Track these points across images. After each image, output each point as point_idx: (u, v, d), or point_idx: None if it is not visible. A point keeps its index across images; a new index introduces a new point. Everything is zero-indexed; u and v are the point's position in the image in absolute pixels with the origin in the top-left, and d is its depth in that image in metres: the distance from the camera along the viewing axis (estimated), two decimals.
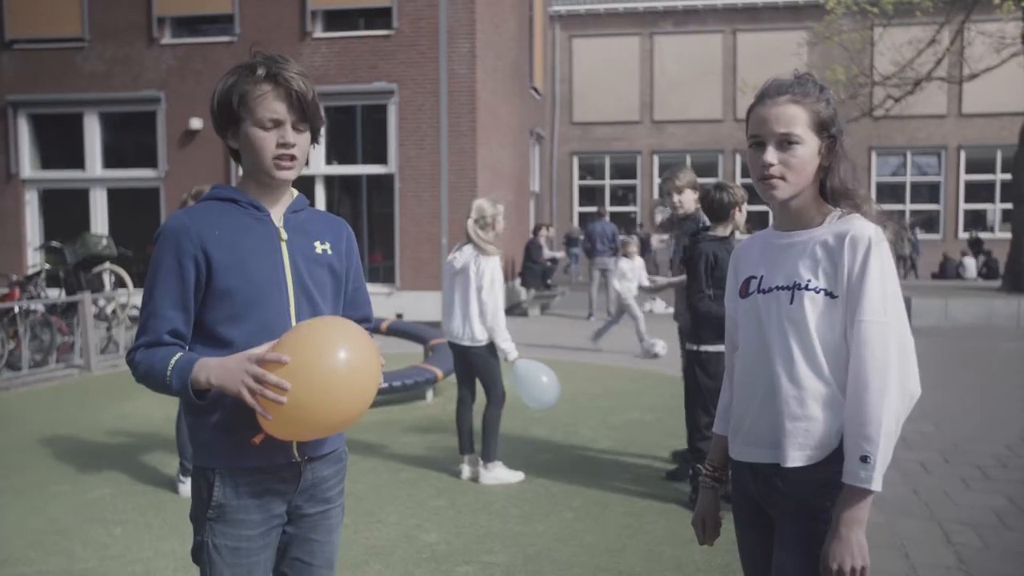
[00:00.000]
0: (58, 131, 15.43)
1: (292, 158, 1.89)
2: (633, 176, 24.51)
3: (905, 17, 16.33)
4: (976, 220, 23.71)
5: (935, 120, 23.00)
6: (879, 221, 1.87)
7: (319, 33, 14.38)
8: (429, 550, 4.08)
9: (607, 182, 24.62)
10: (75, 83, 14.90)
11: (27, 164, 15.31)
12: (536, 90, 20.01)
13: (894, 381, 1.77)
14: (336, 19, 14.62)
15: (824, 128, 1.87)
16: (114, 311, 10.82)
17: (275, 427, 1.79)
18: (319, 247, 1.99)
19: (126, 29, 14.75)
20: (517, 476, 5.18)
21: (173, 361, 1.82)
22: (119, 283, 11.78)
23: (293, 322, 1.90)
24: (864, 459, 1.76)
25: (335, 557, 2.10)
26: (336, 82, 14.17)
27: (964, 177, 23.40)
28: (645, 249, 15.16)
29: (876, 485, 1.78)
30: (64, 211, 15.34)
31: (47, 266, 11.45)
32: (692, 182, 5.10)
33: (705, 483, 2.15)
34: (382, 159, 14.43)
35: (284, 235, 1.94)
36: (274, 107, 1.85)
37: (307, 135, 1.92)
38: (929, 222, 23.92)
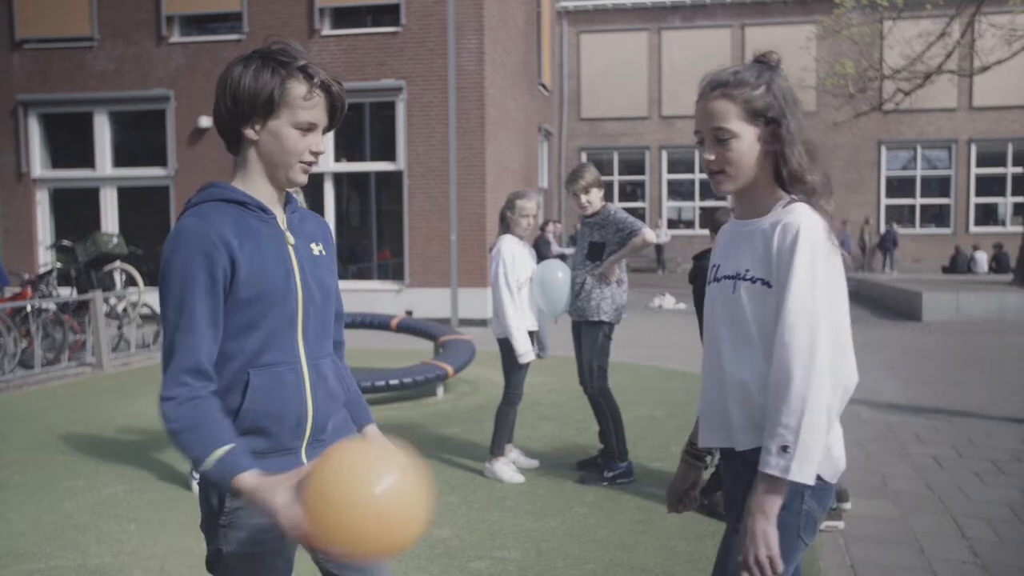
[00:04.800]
0: (68, 130, 15.50)
1: (314, 163, 1.89)
2: (642, 172, 24.48)
3: (915, 10, 16.26)
4: (986, 214, 23.59)
5: (945, 114, 22.89)
6: (826, 208, 1.84)
7: (327, 30, 14.39)
8: (442, 545, 4.08)
9: (616, 178, 24.58)
10: (85, 82, 14.96)
11: (38, 163, 15.38)
12: (544, 86, 19.98)
13: (820, 370, 1.72)
14: (344, 16, 14.63)
15: (759, 115, 1.83)
16: (125, 309, 10.87)
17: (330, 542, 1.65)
18: (315, 249, 1.95)
19: (135, 28, 14.80)
20: (518, 478, 5.16)
21: (219, 453, 1.67)
22: (130, 281, 11.82)
23: (299, 331, 1.85)
24: (783, 448, 1.71)
25: None
26: (344, 79, 14.10)
27: (975, 171, 23.29)
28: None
29: (796, 475, 1.71)
30: (75, 210, 15.40)
31: (58, 265, 11.51)
32: (596, 180, 5.11)
33: (683, 457, 2.16)
34: (391, 156, 14.44)
35: (291, 239, 1.89)
36: (317, 113, 1.84)
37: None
38: (939, 216, 23.81)
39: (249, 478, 1.66)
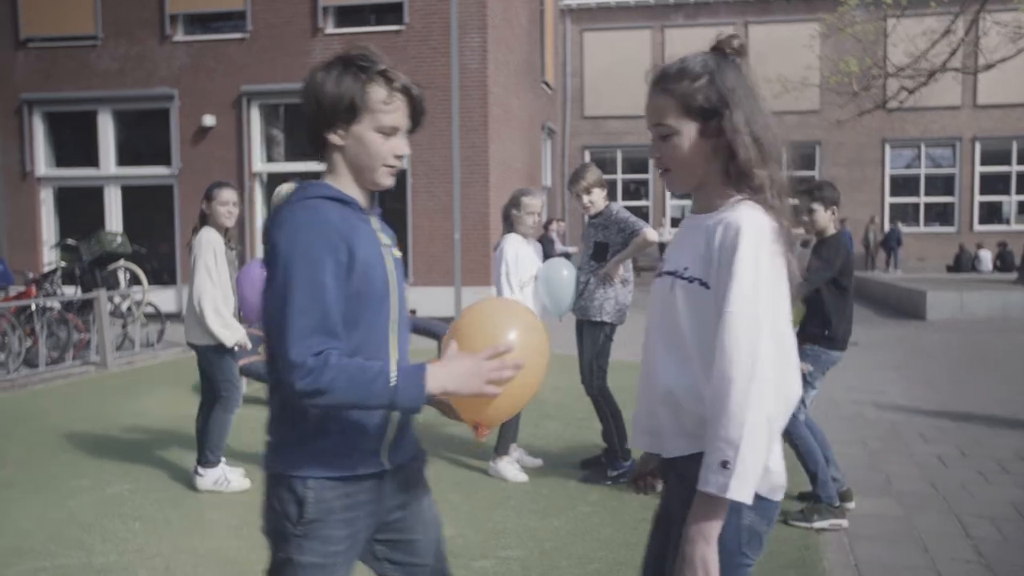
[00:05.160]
0: (72, 129, 15.53)
1: (397, 166, 1.90)
2: (645, 170, 24.45)
3: (919, 7, 16.21)
4: (991, 212, 23.54)
5: (950, 111, 22.83)
6: (777, 207, 1.72)
7: (330, 29, 14.39)
8: (446, 544, 4.08)
9: (619, 176, 24.57)
10: (89, 81, 14.98)
11: (42, 162, 15.41)
12: (547, 84, 19.97)
13: (762, 381, 1.58)
14: (347, 15, 14.64)
15: (699, 110, 1.72)
16: (129, 308, 10.89)
17: (496, 412, 1.88)
18: (396, 253, 1.97)
19: (139, 26, 14.82)
20: (522, 477, 5.17)
21: (393, 373, 1.69)
22: (134, 280, 11.84)
23: (391, 331, 1.86)
24: (724, 464, 1.57)
25: (445, 549, 2.08)
26: None
27: (979, 169, 23.23)
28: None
29: (737, 494, 1.57)
30: (79, 209, 15.43)
31: (63, 264, 11.54)
32: (598, 180, 5.11)
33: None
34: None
35: (385, 239, 1.92)
36: (399, 117, 1.84)
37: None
38: (943, 214, 23.76)
39: (433, 368, 1.75)
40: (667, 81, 1.76)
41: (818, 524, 4.24)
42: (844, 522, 4.27)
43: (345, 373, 1.66)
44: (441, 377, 1.73)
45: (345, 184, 1.88)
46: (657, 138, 1.77)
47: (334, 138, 1.84)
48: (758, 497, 1.66)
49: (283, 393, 1.75)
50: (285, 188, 5.18)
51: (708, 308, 1.68)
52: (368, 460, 1.84)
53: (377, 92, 1.81)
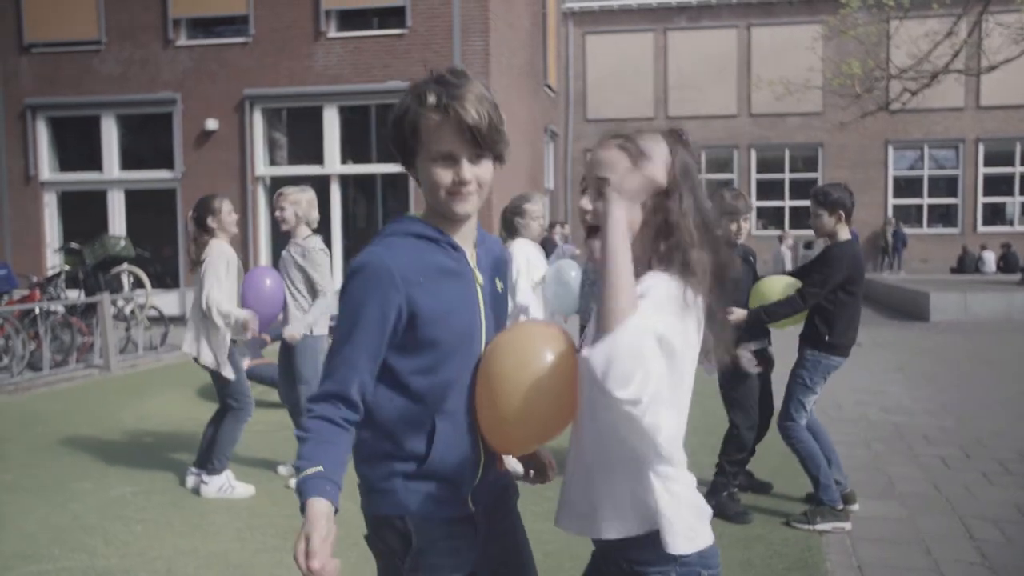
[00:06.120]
0: (76, 133, 15.57)
1: (469, 191, 1.73)
2: None
3: (922, 9, 16.20)
4: (994, 213, 23.51)
5: (953, 113, 22.80)
6: (696, 278, 1.67)
7: (333, 33, 14.42)
8: None
9: None
10: (92, 86, 15.02)
11: (45, 167, 15.45)
12: (550, 88, 19.99)
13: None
14: (350, 19, 14.66)
15: None
16: (133, 312, 10.91)
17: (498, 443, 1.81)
18: (499, 285, 1.87)
19: (142, 31, 14.86)
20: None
21: (311, 472, 1.63)
22: (137, 284, 11.86)
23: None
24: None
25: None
26: (350, 82, 14.22)
27: (982, 170, 23.19)
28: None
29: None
30: (82, 213, 15.46)
31: (66, 267, 11.55)
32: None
33: None
34: (397, 158, 14.45)
35: (480, 279, 1.81)
36: (447, 140, 1.67)
37: (488, 162, 1.74)
38: (947, 216, 23.73)
39: (318, 504, 1.59)
40: (626, 140, 1.71)
41: (820, 526, 4.23)
42: (847, 525, 4.25)
43: (312, 437, 1.68)
44: (312, 515, 1.58)
45: (436, 216, 1.77)
46: (594, 193, 1.69)
47: (413, 175, 1.78)
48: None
49: (371, 435, 1.77)
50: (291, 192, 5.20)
51: None
52: (459, 505, 1.81)
53: (422, 118, 1.69)
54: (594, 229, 1.69)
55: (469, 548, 1.83)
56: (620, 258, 1.56)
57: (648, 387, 1.49)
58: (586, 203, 1.70)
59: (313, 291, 5.08)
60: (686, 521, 1.66)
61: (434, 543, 1.77)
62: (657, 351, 1.53)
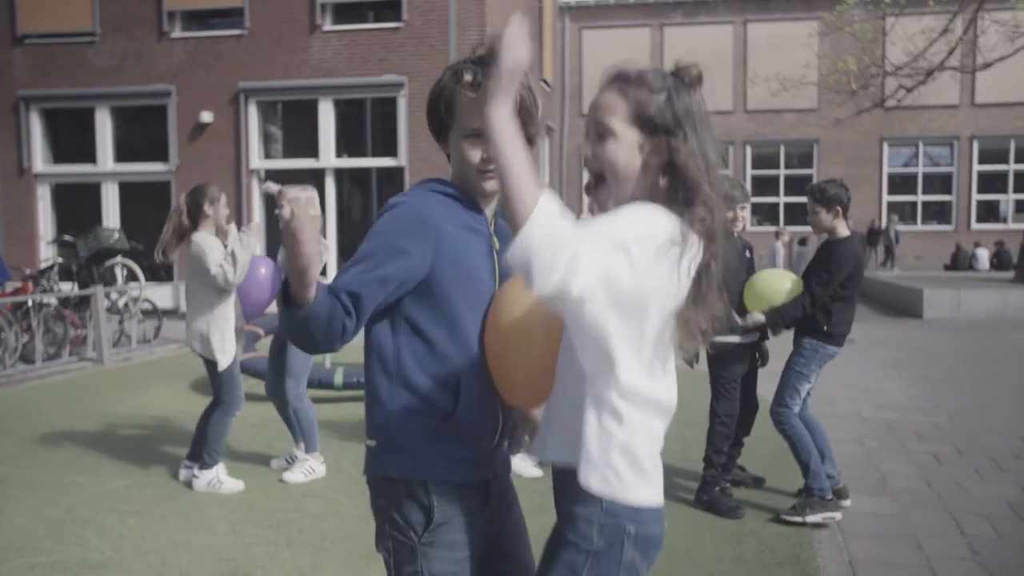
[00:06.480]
0: (70, 125, 15.51)
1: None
2: None
3: (918, 6, 16.21)
4: (988, 211, 23.57)
5: (948, 110, 22.85)
6: (708, 224, 1.62)
7: (328, 26, 14.38)
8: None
9: None
10: (86, 77, 14.96)
11: (39, 159, 15.39)
12: (546, 82, 19.97)
13: None
14: (345, 12, 14.62)
15: (647, 122, 1.64)
16: (126, 304, 10.88)
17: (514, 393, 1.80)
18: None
19: (136, 23, 14.81)
20: (535, 472, 5.21)
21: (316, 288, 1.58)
22: (131, 277, 11.84)
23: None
24: None
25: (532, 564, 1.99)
26: (345, 75, 14.18)
27: (977, 167, 23.24)
28: None
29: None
30: (76, 205, 15.42)
31: (59, 260, 11.53)
32: None
33: None
34: (392, 152, 14.43)
35: (497, 244, 1.83)
36: (479, 117, 1.64)
37: None
38: (941, 213, 23.78)
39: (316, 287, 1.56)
40: (624, 83, 1.67)
41: (811, 518, 4.24)
42: (837, 515, 4.27)
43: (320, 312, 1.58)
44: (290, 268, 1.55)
45: (460, 184, 1.84)
46: (593, 137, 1.67)
47: (444, 148, 1.84)
48: (636, 516, 1.60)
49: (398, 392, 1.74)
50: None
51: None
52: (480, 466, 1.80)
53: (457, 94, 1.74)
54: (599, 177, 1.67)
55: (481, 523, 1.81)
56: (511, 150, 1.48)
57: (578, 277, 1.41)
58: (586, 148, 1.69)
59: None
60: (610, 463, 1.58)
61: (453, 517, 1.74)
62: (611, 252, 1.47)
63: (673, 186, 1.62)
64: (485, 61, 1.68)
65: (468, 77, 1.71)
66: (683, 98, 1.66)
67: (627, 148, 1.64)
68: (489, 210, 1.86)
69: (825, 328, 4.37)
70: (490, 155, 1.59)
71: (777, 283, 4.42)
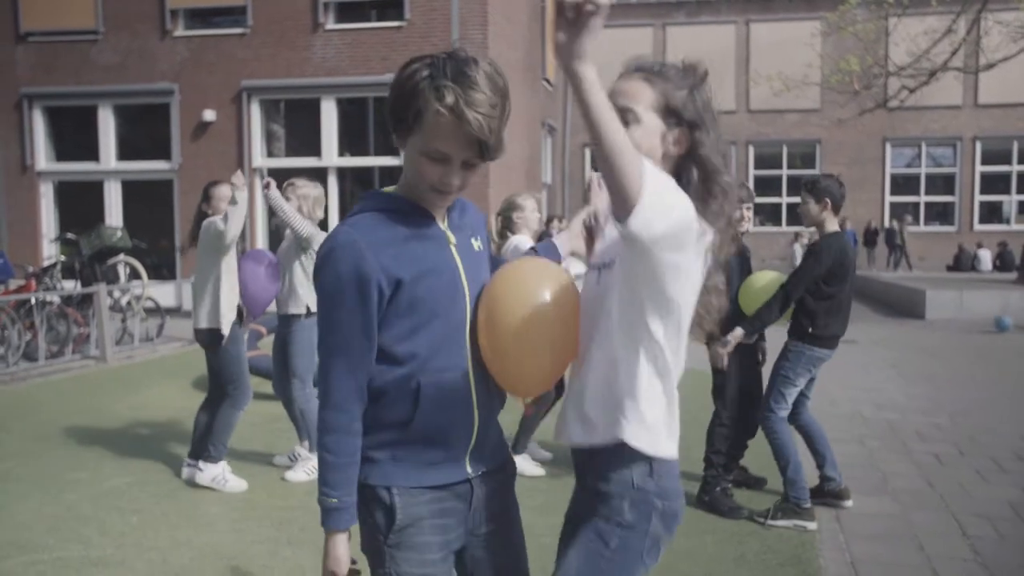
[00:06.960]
0: (73, 123, 15.51)
1: (451, 192, 1.72)
2: None
3: (921, 7, 16.20)
4: (991, 211, 23.55)
5: (950, 111, 22.83)
6: (723, 215, 1.69)
7: (331, 24, 14.38)
8: None
9: None
10: (89, 75, 14.97)
11: (42, 157, 15.40)
12: (548, 81, 19.95)
13: None
14: (348, 10, 14.62)
15: (672, 113, 1.68)
16: (129, 302, 10.89)
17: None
18: (475, 244, 1.84)
19: (139, 21, 14.81)
20: (537, 471, 5.22)
21: (333, 503, 1.72)
22: (134, 275, 11.85)
23: (467, 335, 1.76)
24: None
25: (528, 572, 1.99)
26: (348, 74, 14.19)
27: (980, 168, 23.23)
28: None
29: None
30: (79, 203, 15.43)
31: (62, 258, 11.54)
32: None
33: None
34: (395, 151, 14.41)
35: (452, 239, 1.78)
36: (448, 142, 1.62)
37: (476, 168, 1.73)
38: (943, 214, 23.75)
39: (340, 544, 1.74)
40: (649, 73, 1.71)
41: (780, 523, 4.20)
42: (810, 524, 4.19)
43: (339, 462, 1.72)
44: (330, 546, 1.76)
45: (410, 185, 1.75)
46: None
47: (398, 141, 1.72)
48: (654, 470, 1.71)
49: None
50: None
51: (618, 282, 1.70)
52: (452, 469, 1.78)
53: (431, 111, 1.60)
54: None
55: (458, 523, 1.80)
56: (606, 114, 1.45)
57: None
58: None
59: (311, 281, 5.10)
60: (654, 420, 1.68)
61: (419, 520, 1.74)
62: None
63: (695, 178, 1.67)
64: (465, 80, 1.60)
65: (450, 100, 1.58)
66: (704, 93, 1.71)
67: (650, 135, 1.68)
68: (440, 213, 1.79)
69: (810, 330, 4.29)
70: (589, 137, 1.50)
71: (770, 284, 4.40)
